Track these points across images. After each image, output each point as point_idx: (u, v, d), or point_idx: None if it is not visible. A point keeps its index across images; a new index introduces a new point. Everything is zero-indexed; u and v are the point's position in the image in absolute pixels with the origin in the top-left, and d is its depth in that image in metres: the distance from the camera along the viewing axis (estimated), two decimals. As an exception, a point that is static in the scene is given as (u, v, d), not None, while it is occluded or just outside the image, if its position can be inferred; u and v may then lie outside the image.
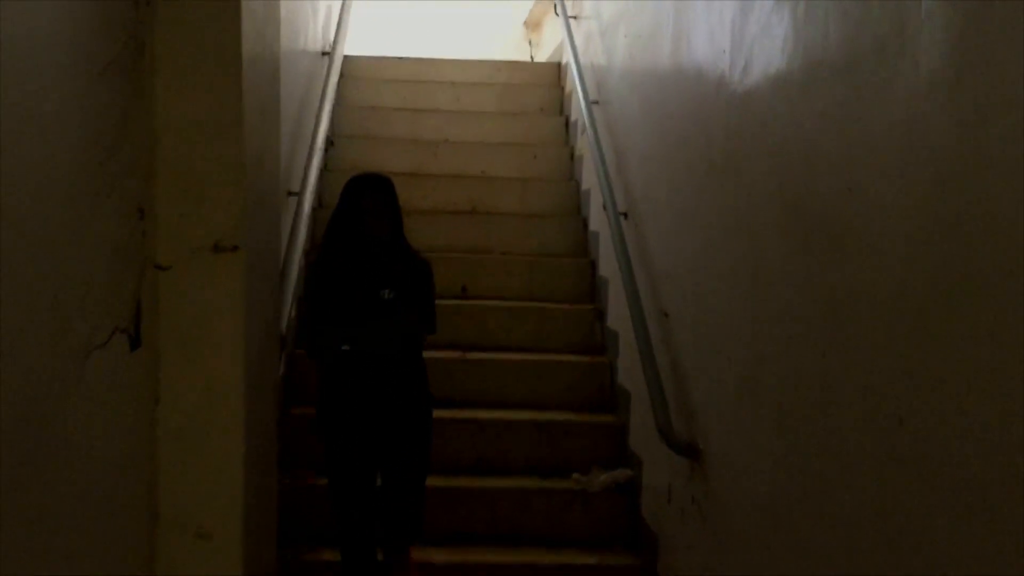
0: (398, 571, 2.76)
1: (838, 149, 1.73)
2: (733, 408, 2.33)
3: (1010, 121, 1.21)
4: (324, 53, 4.85)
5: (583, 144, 4.83)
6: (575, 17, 5.39)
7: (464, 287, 4.38)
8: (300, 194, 3.73)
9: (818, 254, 1.82)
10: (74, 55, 1.45)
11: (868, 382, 1.59)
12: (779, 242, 2.04)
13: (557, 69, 6.24)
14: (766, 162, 2.14)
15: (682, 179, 2.93)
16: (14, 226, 1.24)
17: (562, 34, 5.34)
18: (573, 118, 5.43)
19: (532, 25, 7.85)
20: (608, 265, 4.05)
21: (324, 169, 4.70)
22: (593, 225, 4.60)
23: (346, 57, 5.59)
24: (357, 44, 6.11)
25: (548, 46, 7.10)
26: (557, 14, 5.64)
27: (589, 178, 4.63)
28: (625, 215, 3.69)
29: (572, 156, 5.32)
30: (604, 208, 3.83)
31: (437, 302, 2.88)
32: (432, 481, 2.88)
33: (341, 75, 5.31)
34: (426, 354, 2.83)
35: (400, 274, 2.73)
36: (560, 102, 5.95)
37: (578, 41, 5.14)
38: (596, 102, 4.48)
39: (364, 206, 2.67)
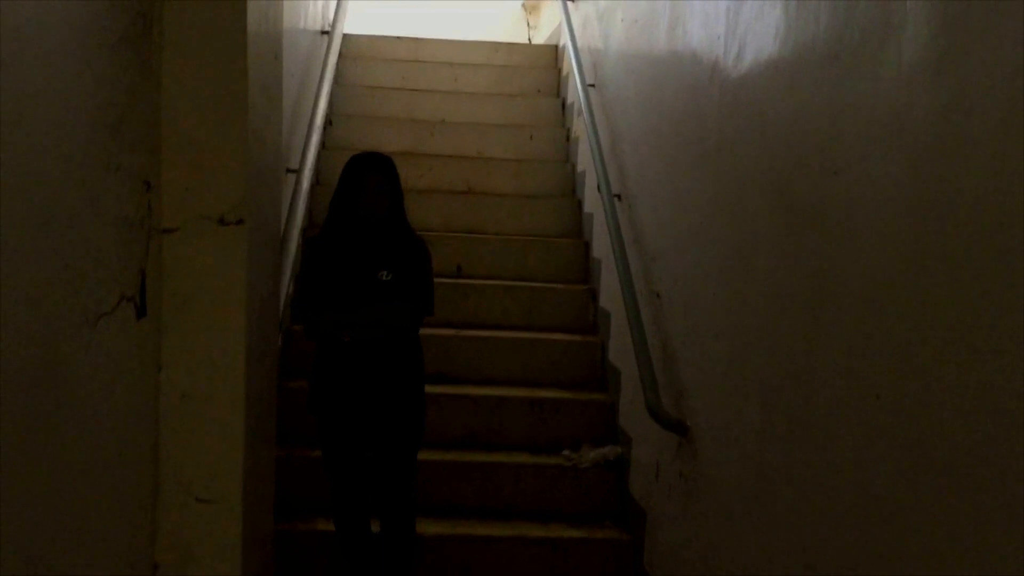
0: (392, 542, 2.81)
1: (825, 133, 1.79)
2: (720, 386, 2.40)
3: (985, 108, 1.27)
4: (324, 32, 4.87)
5: (579, 126, 4.87)
6: (573, 0, 5.42)
7: (459, 266, 4.43)
8: (299, 171, 3.77)
9: (803, 236, 1.88)
10: (86, 32, 1.50)
11: (848, 359, 1.66)
12: (767, 224, 2.10)
13: (555, 51, 6.27)
14: (757, 146, 2.19)
15: (675, 162, 2.98)
16: (30, 195, 1.30)
17: (560, 16, 5.36)
18: (570, 100, 5.47)
19: (531, 7, 7.86)
20: (602, 246, 4.10)
21: (322, 147, 4.73)
22: (588, 206, 4.65)
23: (345, 35, 5.60)
24: (356, 23, 6.12)
25: (546, 28, 7.12)
26: (555, -4, 5.67)
27: (584, 160, 4.68)
28: (619, 197, 3.74)
29: (568, 138, 5.36)
30: (598, 189, 3.88)
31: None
32: (425, 455, 2.93)
33: (340, 54, 5.34)
34: (421, 331, 2.86)
35: (399, 255, 2.72)
36: (557, 84, 5.98)
37: (576, 24, 5.17)
38: (592, 85, 4.53)
39: (364, 185, 2.66)
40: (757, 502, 2.09)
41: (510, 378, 3.91)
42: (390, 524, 2.81)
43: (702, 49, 2.69)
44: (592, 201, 4.41)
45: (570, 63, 4.90)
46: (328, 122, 4.92)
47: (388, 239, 2.73)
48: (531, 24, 7.90)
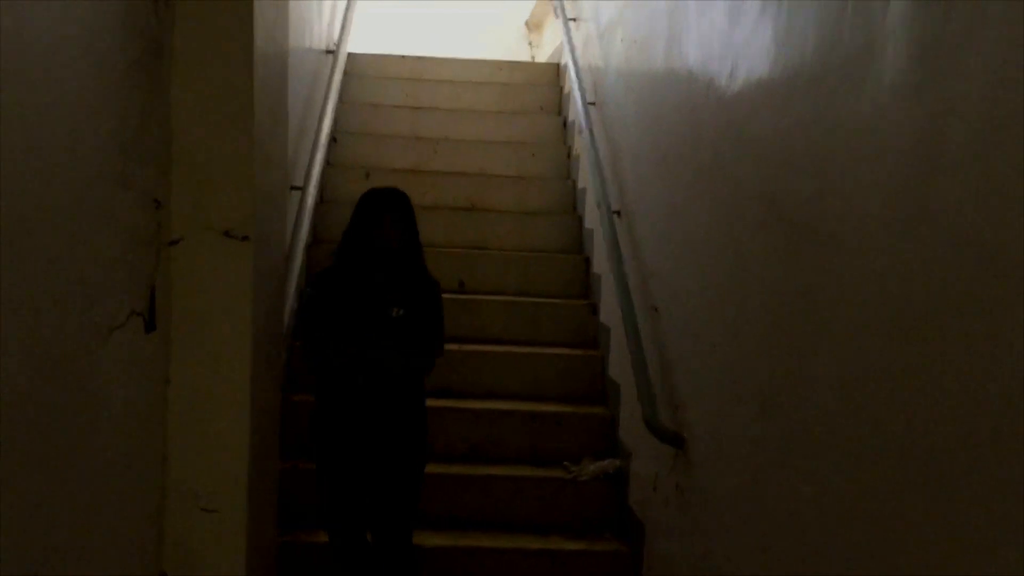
0: (387, 554, 2.80)
1: (813, 152, 1.85)
2: (716, 399, 2.44)
3: (961, 129, 1.32)
4: (328, 51, 4.94)
5: (580, 144, 4.93)
6: (575, 19, 5.48)
7: (461, 282, 4.48)
8: (304, 188, 3.83)
9: (796, 252, 1.93)
10: (101, 57, 1.56)
11: (841, 371, 1.70)
12: (762, 239, 2.15)
13: (556, 70, 6.33)
14: (750, 164, 2.25)
15: (674, 179, 3.04)
16: (47, 212, 1.36)
17: (562, 36, 5.43)
18: (571, 118, 5.52)
19: (533, 26, 7.94)
20: (602, 262, 4.15)
21: (327, 165, 4.79)
22: (588, 223, 4.70)
23: (350, 54, 5.67)
24: (360, 42, 6.20)
25: (548, 47, 7.19)
26: (557, 16, 5.74)
27: (585, 177, 4.73)
28: (618, 213, 3.79)
29: (569, 155, 5.41)
30: (598, 206, 3.93)
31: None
32: (427, 468, 2.96)
33: (344, 72, 5.40)
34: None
35: (412, 293, 2.68)
36: (559, 102, 6.04)
37: (577, 43, 5.23)
38: (593, 103, 4.59)
39: (379, 221, 2.62)
40: (753, 513, 2.13)
41: (511, 392, 3.95)
42: (384, 537, 2.78)
43: (698, 69, 2.75)
44: (593, 217, 4.46)
45: (571, 81, 4.96)
46: (332, 140, 4.98)
47: (402, 276, 2.70)
48: (533, 43, 7.99)
